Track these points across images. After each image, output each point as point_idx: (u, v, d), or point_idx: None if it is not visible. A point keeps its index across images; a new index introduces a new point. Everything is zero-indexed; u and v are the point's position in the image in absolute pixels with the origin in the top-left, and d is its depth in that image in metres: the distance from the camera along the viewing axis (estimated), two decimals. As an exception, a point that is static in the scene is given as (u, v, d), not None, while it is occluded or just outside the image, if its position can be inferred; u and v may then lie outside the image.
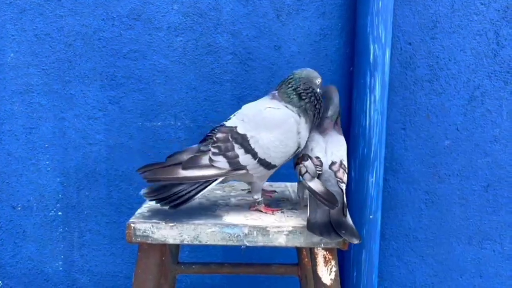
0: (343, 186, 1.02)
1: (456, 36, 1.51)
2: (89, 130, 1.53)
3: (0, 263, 1.58)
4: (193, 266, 1.32)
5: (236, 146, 1.01)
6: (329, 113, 1.13)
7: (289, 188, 1.33)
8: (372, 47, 1.43)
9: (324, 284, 0.97)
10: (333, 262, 0.98)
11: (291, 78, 1.08)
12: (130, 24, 1.49)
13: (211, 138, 1.03)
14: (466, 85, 1.53)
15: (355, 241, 0.92)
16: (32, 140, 1.53)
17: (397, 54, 1.52)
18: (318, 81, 1.11)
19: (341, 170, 1.04)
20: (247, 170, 1.02)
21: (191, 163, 0.99)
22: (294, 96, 1.06)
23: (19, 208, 1.56)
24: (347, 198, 1.53)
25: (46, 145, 1.53)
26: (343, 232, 0.93)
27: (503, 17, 1.50)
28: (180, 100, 1.52)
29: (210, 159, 1.00)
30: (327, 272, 0.97)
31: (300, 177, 1.04)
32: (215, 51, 1.50)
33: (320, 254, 0.98)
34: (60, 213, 1.56)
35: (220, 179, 1.01)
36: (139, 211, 1.06)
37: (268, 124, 1.04)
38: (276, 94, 1.09)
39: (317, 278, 0.98)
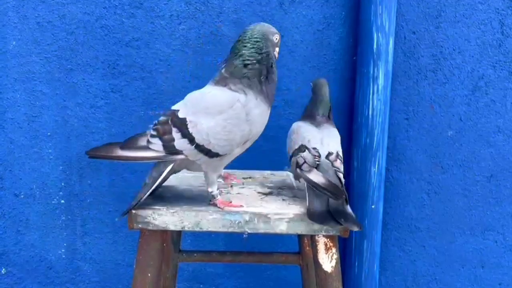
0: (341, 176, 1.03)
1: (460, 26, 1.50)
2: (91, 119, 1.53)
3: (4, 250, 1.59)
4: (195, 254, 1.32)
5: (174, 130, 0.97)
6: (320, 111, 1.16)
7: (291, 176, 1.33)
8: (375, 36, 1.42)
9: (325, 272, 0.97)
10: (334, 250, 0.98)
11: (239, 41, 1.03)
12: (132, 12, 1.48)
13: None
14: (470, 75, 1.52)
15: (355, 228, 0.92)
16: (34, 128, 1.53)
17: (401, 43, 1.51)
18: (276, 37, 1.04)
19: (338, 160, 1.06)
20: (185, 155, 0.98)
21: (129, 144, 0.98)
22: (239, 66, 0.99)
23: (22, 196, 1.56)
24: (348, 188, 1.53)
25: (49, 134, 1.53)
26: (342, 220, 0.93)
27: (508, 6, 1.49)
28: (182, 89, 1.51)
29: (148, 141, 0.97)
30: (328, 260, 0.97)
31: (298, 169, 1.04)
32: (217, 40, 1.50)
33: (321, 241, 0.98)
34: (62, 201, 1.57)
35: (168, 168, 0.99)
36: (140, 198, 1.07)
37: (210, 109, 0.97)
38: (217, 77, 1.02)
39: (317, 265, 0.98)
